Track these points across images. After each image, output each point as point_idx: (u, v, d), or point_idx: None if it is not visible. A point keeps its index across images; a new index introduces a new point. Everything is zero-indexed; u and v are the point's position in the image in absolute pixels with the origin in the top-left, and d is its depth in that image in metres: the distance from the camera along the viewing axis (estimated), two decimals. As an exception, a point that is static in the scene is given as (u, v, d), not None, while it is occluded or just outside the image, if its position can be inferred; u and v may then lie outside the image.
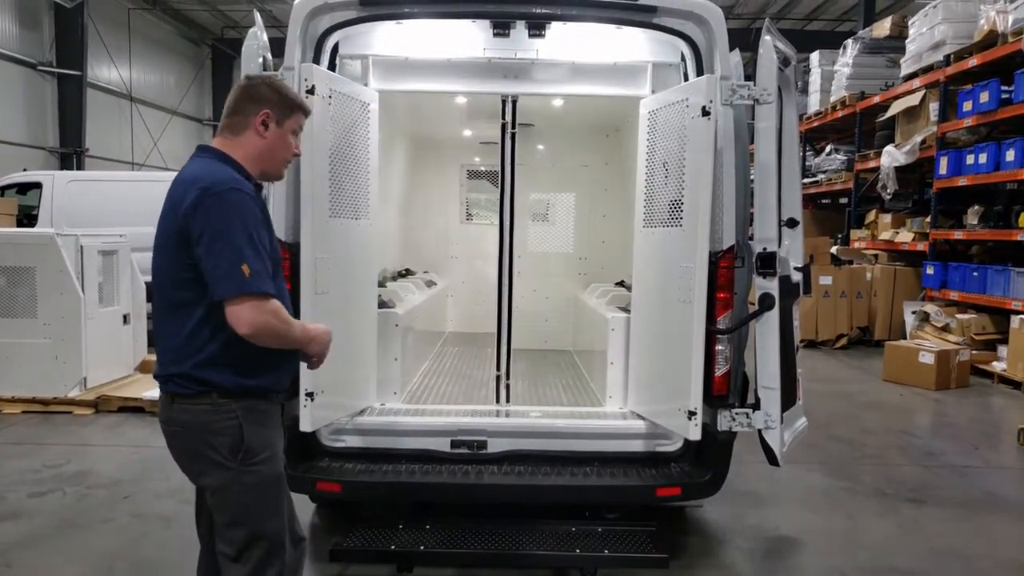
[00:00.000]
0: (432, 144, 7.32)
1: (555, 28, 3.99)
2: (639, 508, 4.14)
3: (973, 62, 9.90)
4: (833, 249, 12.70)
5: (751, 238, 3.83)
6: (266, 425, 2.47)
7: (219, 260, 2.24)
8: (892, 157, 11.68)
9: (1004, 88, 9.34)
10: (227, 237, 2.25)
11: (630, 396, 4.40)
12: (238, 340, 2.31)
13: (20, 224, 10.66)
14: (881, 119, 12.62)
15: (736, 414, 3.75)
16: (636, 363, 4.35)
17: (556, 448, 3.97)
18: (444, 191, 7.63)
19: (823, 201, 17.01)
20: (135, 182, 11.41)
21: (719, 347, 3.72)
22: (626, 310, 4.71)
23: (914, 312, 10.85)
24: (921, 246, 11.43)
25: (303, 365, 2.69)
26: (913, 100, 11.36)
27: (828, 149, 15.02)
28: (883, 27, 13.51)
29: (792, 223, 3.99)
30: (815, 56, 15.12)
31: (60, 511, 4.72)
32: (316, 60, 3.75)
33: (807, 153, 15.43)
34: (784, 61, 3.84)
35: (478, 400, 4.92)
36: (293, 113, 2.53)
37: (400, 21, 3.95)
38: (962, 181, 10.18)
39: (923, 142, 11.21)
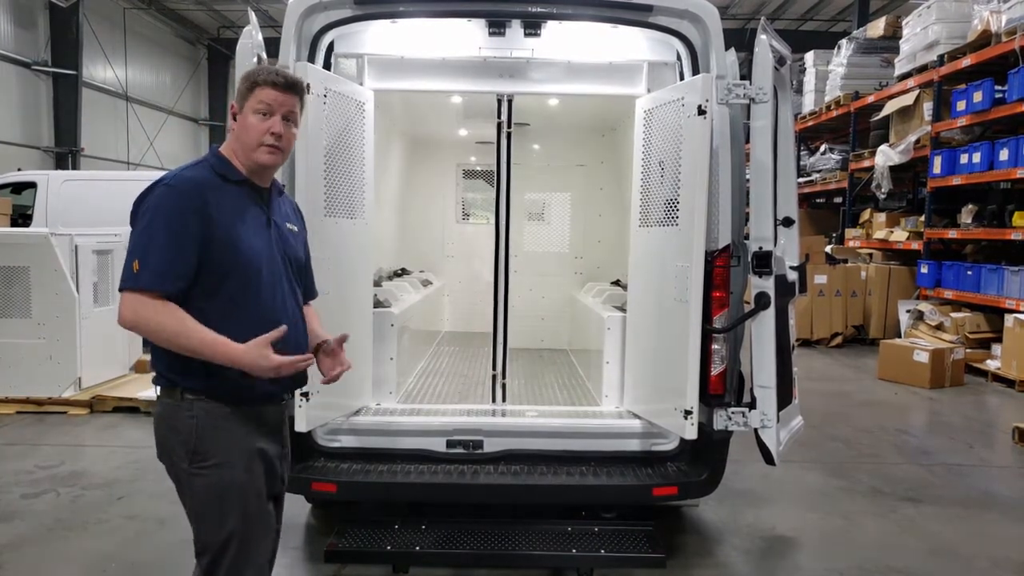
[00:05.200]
0: (428, 143, 7.31)
1: (551, 27, 3.98)
2: (635, 508, 4.13)
3: (967, 62, 9.94)
4: (828, 248, 12.74)
5: (747, 237, 3.83)
6: (228, 429, 2.39)
7: (126, 256, 2.30)
8: (886, 156, 11.72)
9: (998, 88, 9.38)
10: (136, 233, 2.30)
11: (626, 395, 4.40)
12: None
13: (14, 224, 10.61)
14: (875, 119, 12.68)
15: (732, 413, 3.74)
16: (632, 362, 4.35)
17: (552, 448, 3.96)
18: (440, 190, 7.62)
19: (818, 200, 17.08)
20: (131, 182, 11.35)
21: (715, 346, 3.72)
22: (622, 309, 4.71)
23: (909, 311, 10.88)
24: (915, 245, 11.47)
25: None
26: (907, 100, 11.39)
27: (823, 148, 15.07)
28: (877, 27, 13.57)
29: (788, 222, 3.98)
30: (810, 56, 15.17)
31: (54, 512, 4.70)
32: (311, 59, 3.74)
33: (802, 152, 15.46)
34: (779, 60, 3.83)
35: (474, 400, 4.90)
36: (250, 92, 2.40)
37: (395, 20, 3.94)
38: (956, 180, 10.22)
39: (917, 141, 11.25)
